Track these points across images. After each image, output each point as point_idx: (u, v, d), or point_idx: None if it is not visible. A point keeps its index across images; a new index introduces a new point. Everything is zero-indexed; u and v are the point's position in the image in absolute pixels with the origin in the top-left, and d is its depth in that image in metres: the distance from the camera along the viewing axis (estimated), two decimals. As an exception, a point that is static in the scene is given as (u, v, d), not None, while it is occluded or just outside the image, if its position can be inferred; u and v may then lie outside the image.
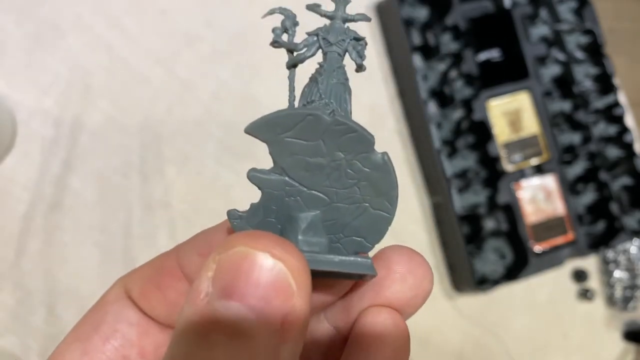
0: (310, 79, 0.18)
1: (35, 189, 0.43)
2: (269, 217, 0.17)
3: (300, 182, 0.17)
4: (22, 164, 0.43)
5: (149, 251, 0.45)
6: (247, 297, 0.13)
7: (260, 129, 0.17)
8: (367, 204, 0.17)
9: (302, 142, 0.16)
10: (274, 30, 0.18)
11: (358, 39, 0.18)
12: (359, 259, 0.16)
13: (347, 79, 0.18)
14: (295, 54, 0.18)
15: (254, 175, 0.17)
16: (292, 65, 0.19)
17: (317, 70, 0.18)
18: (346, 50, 0.18)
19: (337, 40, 0.18)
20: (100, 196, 0.45)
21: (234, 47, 0.50)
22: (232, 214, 0.17)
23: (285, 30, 0.18)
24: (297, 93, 0.18)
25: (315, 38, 0.18)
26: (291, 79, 0.19)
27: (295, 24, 0.18)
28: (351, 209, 0.17)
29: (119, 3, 0.47)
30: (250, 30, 0.50)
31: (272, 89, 0.50)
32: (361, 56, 0.18)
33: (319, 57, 0.18)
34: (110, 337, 0.18)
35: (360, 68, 0.18)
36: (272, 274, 0.13)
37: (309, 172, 0.16)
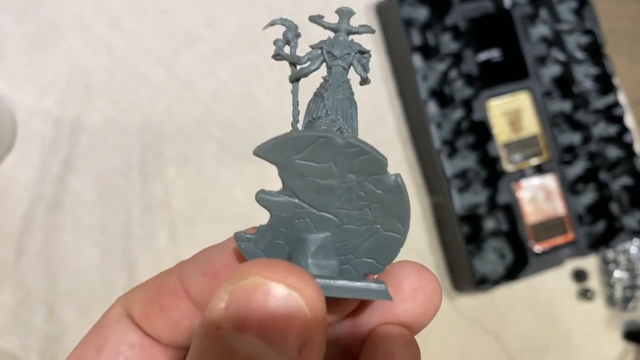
0: (315, 94, 0.18)
1: (35, 189, 0.43)
2: (278, 239, 0.17)
3: (310, 204, 0.16)
4: (22, 164, 0.43)
5: (148, 251, 0.45)
6: (263, 330, 0.12)
7: (269, 151, 0.16)
8: (378, 226, 0.17)
9: (312, 164, 0.16)
10: (276, 42, 0.18)
11: (363, 52, 0.18)
12: (372, 285, 0.16)
13: (352, 94, 0.18)
14: (298, 67, 0.18)
15: (262, 198, 0.17)
16: (295, 80, 0.18)
17: (321, 84, 0.18)
18: (351, 64, 0.18)
19: (342, 53, 0.18)
20: (100, 196, 0.45)
21: (234, 47, 0.50)
22: (239, 236, 0.17)
23: (288, 42, 0.18)
24: (302, 108, 0.18)
25: (319, 51, 0.18)
26: (295, 93, 0.18)
27: (298, 35, 0.18)
28: (362, 231, 0.17)
29: (119, 3, 0.47)
30: (250, 30, 0.50)
31: (272, 89, 0.50)
32: (366, 69, 0.18)
33: (322, 70, 0.18)
34: None
35: (365, 82, 0.18)
36: (287, 304, 0.12)
37: (319, 193, 0.16)
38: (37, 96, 0.44)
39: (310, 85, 0.19)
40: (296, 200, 0.16)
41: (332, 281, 0.15)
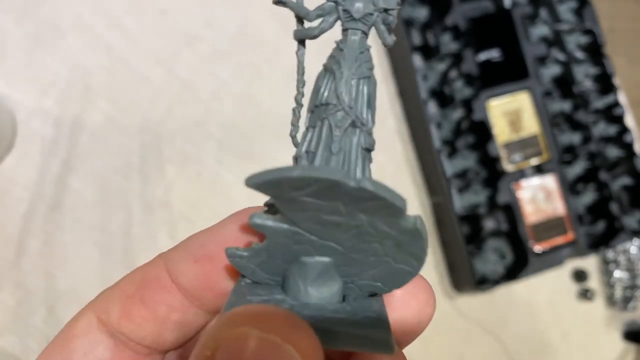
0: (325, 67, 0.15)
1: (35, 189, 0.43)
2: (275, 259, 0.15)
3: (311, 234, 0.14)
4: (22, 164, 0.43)
5: (148, 251, 0.45)
6: None
7: (265, 186, 0.13)
8: (389, 259, 0.15)
9: (317, 201, 0.13)
10: None
11: (389, 10, 0.14)
12: (375, 336, 0.14)
13: (371, 68, 0.14)
14: (306, 24, 0.14)
15: (256, 224, 0.14)
16: (300, 40, 0.15)
17: (333, 54, 0.14)
18: (373, 26, 0.14)
19: (362, 14, 0.14)
20: (100, 196, 0.45)
21: (234, 47, 0.50)
22: (230, 252, 0.15)
23: None
24: (308, 87, 0.15)
25: (332, 5, 0.14)
26: (300, 57, 0.15)
27: None
28: (369, 261, 0.15)
29: (119, 3, 0.47)
30: (250, 30, 0.50)
31: (272, 89, 0.50)
32: (391, 31, 0.14)
33: (335, 32, 0.15)
34: None
35: (387, 46, 0.15)
36: (281, 358, 0.11)
37: (323, 226, 0.14)
38: (37, 96, 0.44)
39: (321, 47, 0.15)
40: (296, 229, 0.14)
41: (331, 327, 0.14)
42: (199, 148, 0.48)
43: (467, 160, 0.52)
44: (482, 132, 0.52)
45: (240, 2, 0.50)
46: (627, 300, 0.58)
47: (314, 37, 0.14)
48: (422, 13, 0.54)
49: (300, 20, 0.14)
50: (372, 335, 0.14)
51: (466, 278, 0.51)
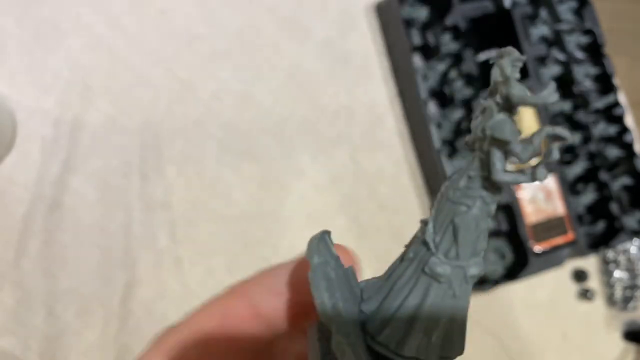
0: (409, 258, 0.15)
1: (35, 189, 0.43)
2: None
3: None
4: (22, 164, 0.43)
5: (148, 251, 0.45)
6: None
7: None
8: None
9: None
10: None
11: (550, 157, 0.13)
12: None
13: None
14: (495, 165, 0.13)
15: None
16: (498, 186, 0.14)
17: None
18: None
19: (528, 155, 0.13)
20: (100, 196, 0.45)
21: (234, 47, 0.50)
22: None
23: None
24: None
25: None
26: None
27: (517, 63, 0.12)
28: None
29: (119, 3, 0.47)
30: (250, 30, 0.50)
31: (272, 89, 0.50)
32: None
33: None
34: None
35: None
36: None
37: None
38: (37, 96, 0.44)
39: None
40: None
41: None
42: (199, 148, 0.48)
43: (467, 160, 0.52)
44: (482, 132, 0.51)
45: (240, 2, 0.50)
46: (627, 300, 0.58)
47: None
48: (422, 13, 0.54)
49: (505, 150, 0.13)
50: None
51: (466, 278, 0.50)
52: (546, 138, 0.13)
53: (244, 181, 0.48)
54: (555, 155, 0.13)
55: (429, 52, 0.53)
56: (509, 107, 0.13)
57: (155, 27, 0.48)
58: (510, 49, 0.12)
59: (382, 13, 0.55)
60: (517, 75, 0.12)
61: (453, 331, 0.14)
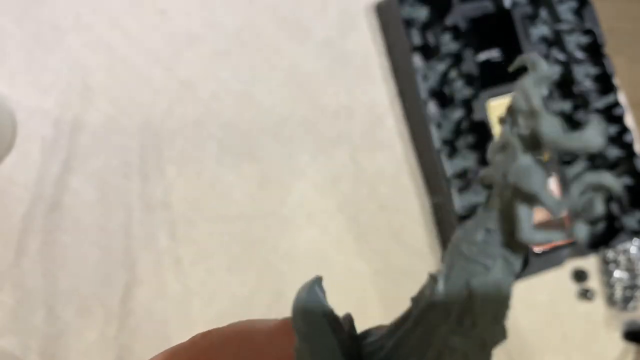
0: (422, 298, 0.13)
1: (35, 189, 0.43)
2: None
3: None
4: (22, 164, 0.43)
5: (148, 251, 0.45)
6: None
7: None
8: None
9: None
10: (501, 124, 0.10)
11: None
12: None
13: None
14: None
15: None
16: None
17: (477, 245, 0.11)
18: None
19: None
20: (100, 196, 0.45)
21: (234, 47, 0.50)
22: None
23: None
24: None
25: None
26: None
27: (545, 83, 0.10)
28: None
29: (119, 3, 0.47)
30: (250, 30, 0.50)
31: (272, 89, 0.50)
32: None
33: None
34: None
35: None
36: None
37: None
38: (37, 96, 0.44)
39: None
40: None
41: None
42: (199, 148, 0.48)
43: (467, 160, 0.52)
44: (482, 132, 0.52)
45: (240, 2, 0.50)
46: (627, 300, 0.58)
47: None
48: (422, 13, 0.54)
49: (530, 200, 0.10)
50: None
51: (466, 278, 0.50)
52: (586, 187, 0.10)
53: (244, 181, 0.48)
54: (599, 209, 0.10)
55: (429, 52, 0.53)
56: (536, 144, 0.10)
57: (155, 27, 0.48)
58: (534, 57, 0.10)
59: (382, 13, 0.55)
60: (545, 92, 0.10)
61: None
